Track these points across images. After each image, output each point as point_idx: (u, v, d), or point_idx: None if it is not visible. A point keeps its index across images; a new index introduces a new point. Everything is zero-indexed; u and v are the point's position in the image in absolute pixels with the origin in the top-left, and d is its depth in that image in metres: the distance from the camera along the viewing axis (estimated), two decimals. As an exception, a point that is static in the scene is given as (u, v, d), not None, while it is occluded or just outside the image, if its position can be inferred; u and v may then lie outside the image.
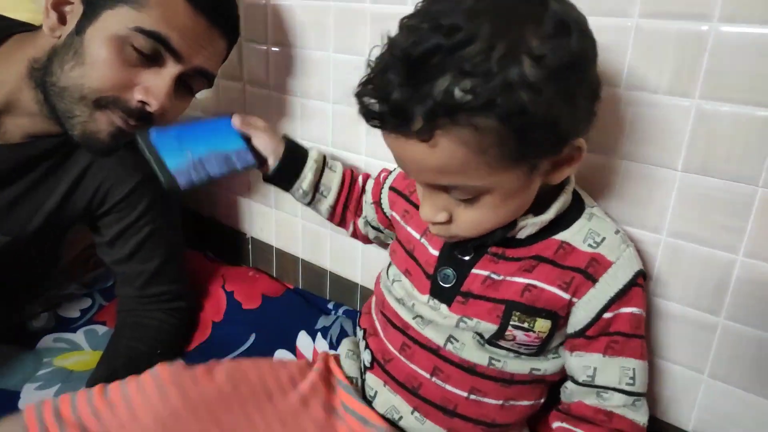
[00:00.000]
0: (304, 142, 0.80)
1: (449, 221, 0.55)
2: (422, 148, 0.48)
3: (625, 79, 0.62)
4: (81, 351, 0.90)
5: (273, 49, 0.95)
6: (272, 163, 0.76)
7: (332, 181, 0.79)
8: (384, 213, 0.75)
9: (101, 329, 0.94)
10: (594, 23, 0.62)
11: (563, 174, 0.54)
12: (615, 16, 0.61)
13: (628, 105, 0.62)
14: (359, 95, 0.50)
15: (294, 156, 0.77)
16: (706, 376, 0.65)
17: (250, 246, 1.14)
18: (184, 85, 0.75)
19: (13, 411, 0.75)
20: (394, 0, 0.77)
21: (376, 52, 0.50)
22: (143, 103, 0.70)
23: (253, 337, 0.91)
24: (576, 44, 0.47)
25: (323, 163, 0.79)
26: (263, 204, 1.08)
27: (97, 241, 0.90)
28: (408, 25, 0.48)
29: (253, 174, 1.08)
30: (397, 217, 0.71)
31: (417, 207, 0.64)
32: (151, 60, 0.69)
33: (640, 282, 0.59)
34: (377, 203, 0.76)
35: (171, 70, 0.70)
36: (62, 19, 0.71)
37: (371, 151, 0.87)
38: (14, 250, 0.82)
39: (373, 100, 0.49)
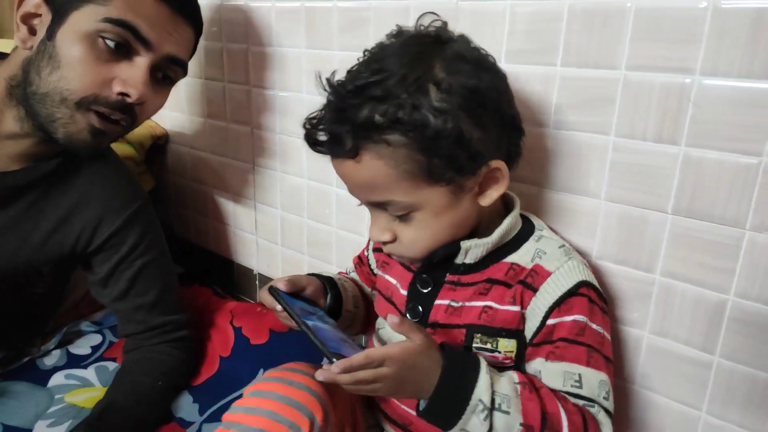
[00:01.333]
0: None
1: (394, 240, 0.62)
2: (352, 166, 0.57)
3: (615, 128, 0.65)
4: (92, 387, 0.91)
5: (280, 93, 0.99)
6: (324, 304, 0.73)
7: (354, 298, 0.79)
8: (373, 274, 0.79)
9: (112, 365, 0.96)
10: (583, 75, 0.66)
11: (490, 196, 0.60)
12: (603, 68, 0.64)
13: (618, 152, 0.65)
14: (306, 126, 0.60)
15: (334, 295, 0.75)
16: (704, 413, 0.66)
17: (257, 282, 1.17)
18: (160, 77, 0.78)
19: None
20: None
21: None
22: (123, 94, 0.72)
23: (261, 373, 0.93)
24: (475, 75, 0.56)
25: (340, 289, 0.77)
26: (270, 241, 1.11)
27: (91, 281, 0.92)
28: (349, 70, 0.60)
29: (262, 211, 1.11)
30: (380, 272, 0.75)
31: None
32: (123, 53, 0.72)
33: (584, 292, 0.60)
34: (371, 279, 0.81)
35: (143, 59, 0.73)
36: (32, 31, 0.74)
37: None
38: (9, 284, 0.83)
39: (314, 130, 0.59)
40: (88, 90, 0.71)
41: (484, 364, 0.56)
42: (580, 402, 0.57)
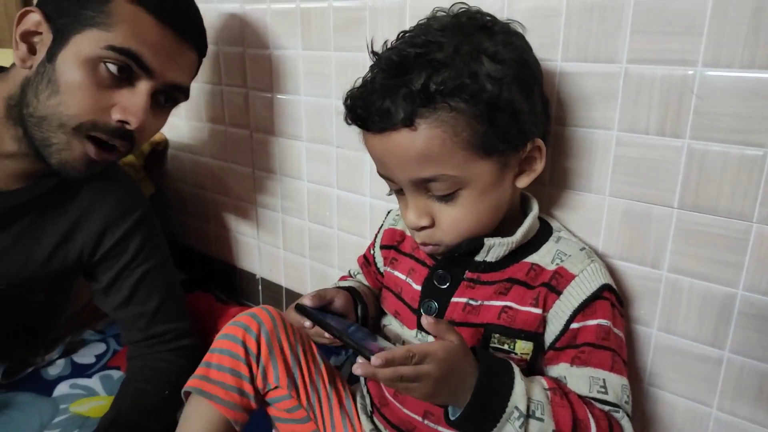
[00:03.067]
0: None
1: (432, 225, 0.60)
2: (405, 137, 0.55)
3: (617, 122, 0.64)
4: (97, 396, 0.91)
5: (278, 96, 0.99)
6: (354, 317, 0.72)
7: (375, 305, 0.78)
8: (380, 273, 0.78)
9: (116, 374, 0.96)
10: (583, 69, 0.65)
11: (528, 176, 0.60)
12: (603, 63, 0.63)
13: (621, 146, 0.64)
14: (347, 100, 0.58)
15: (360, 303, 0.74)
16: (715, 409, 0.65)
17: (260, 286, 1.16)
18: (162, 100, 0.77)
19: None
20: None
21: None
22: (122, 122, 0.71)
23: (264, 379, 0.92)
24: (522, 47, 0.59)
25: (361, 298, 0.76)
26: (272, 245, 1.11)
27: (94, 290, 0.91)
28: (389, 47, 0.60)
29: (263, 215, 1.10)
30: (388, 269, 0.74)
31: (404, 253, 0.71)
32: (125, 79, 0.70)
33: (607, 295, 0.60)
34: (378, 279, 0.79)
35: (144, 86, 0.71)
36: (32, 50, 0.72)
37: (375, 193, 0.90)
38: (12, 296, 0.83)
39: (359, 102, 0.57)
40: (86, 116, 0.70)
41: (517, 370, 0.55)
42: (606, 408, 0.57)
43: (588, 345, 0.58)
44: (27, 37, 0.72)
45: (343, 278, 0.85)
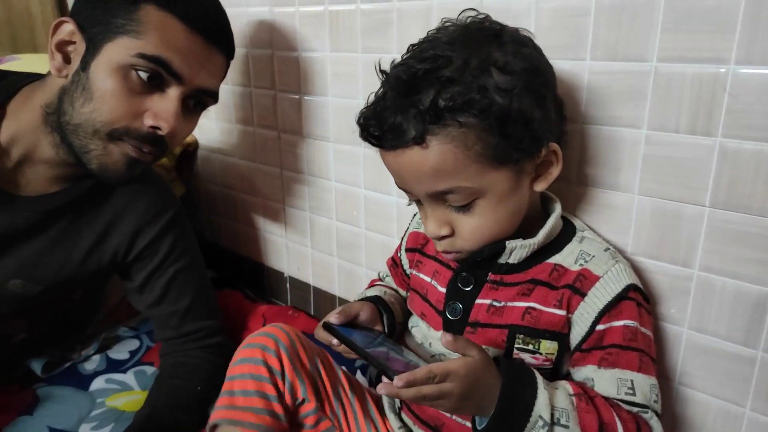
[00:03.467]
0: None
1: (452, 234, 0.61)
2: (418, 154, 0.56)
3: (647, 121, 0.64)
4: (131, 391, 0.94)
5: (306, 97, 1.00)
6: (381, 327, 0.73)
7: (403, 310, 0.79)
8: (407, 275, 0.79)
9: (149, 369, 0.98)
10: (613, 68, 0.65)
11: (545, 180, 0.60)
12: (633, 61, 0.63)
13: (651, 145, 0.64)
14: (360, 119, 0.59)
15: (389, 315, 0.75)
16: (749, 409, 0.64)
17: (288, 285, 1.18)
18: (192, 104, 0.78)
19: (70, 451, 0.80)
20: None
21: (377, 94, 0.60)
22: (154, 128, 0.73)
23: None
24: (532, 54, 0.58)
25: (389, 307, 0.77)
26: (300, 244, 1.12)
27: (128, 288, 0.94)
28: (398, 63, 0.59)
29: (291, 215, 1.12)
30: (413, 271, 0.75)
31: (428, 256, 0.72)
32: (155, 85, 0.72)
33: (633, 296, 0.60)
34: (405, 281, 0.80)
35: (175, 92, 0.73)
36: (67, 59, 0.74)
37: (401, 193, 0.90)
38: (50, 297, 0.86)
39: (372, 122, 0.58)
40: (119, 122, 0.72)
41: (540, 379, 0.56)
42: (634, 409, 0.57)
43: (615, 346, 0.58)
44: (62, 46, 0.74)
45: (372, 282, 0.86)
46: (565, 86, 0.68)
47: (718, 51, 0.58)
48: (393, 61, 0.61)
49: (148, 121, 0.72)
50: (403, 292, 0.82)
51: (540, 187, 0.60)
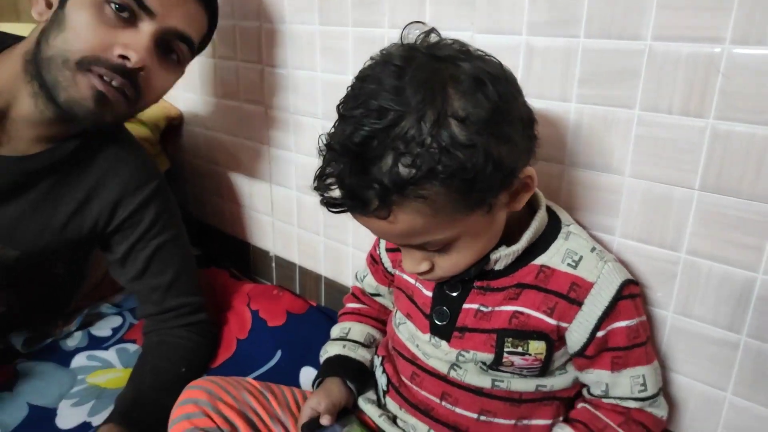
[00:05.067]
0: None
1: (432, 269, 0.59)
2: (384, 223, 0.52)
3: (639, 101, 0.62)
4: (113, 368, 0.93)
5: (293, 72, 0.98)
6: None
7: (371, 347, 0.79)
8: (389, 273, 0.77)
9: (132, 347, 0.98)
10: (607, 46, 0.63)
11: (522, 201, 0.57)
12: (627, 39, 0.62)
13: (643, 126, 0.63)
14: (317, 188, 0.54)
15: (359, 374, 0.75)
16: (730, 393, 0.65)
17: (273, 264, 1.17)
18: (167, 52, 0.78)
19: (50, 427, 0.79)
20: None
21: (324, 140, 0.54)
22: (123, 57, 0.72)
23: (279, 354, 0.93)
24: (494, 94, 0.50)
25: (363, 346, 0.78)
26: (286, 222, 1.11)
27: (109, 261, 0.93)
28: (342, 114, 0.52)
29: (277, 193, 1.11)
30: (397, 272, 0.73)
31: None
32: (128, 20, 0.73)
33: (627, 293, 0.59)
34: (387, 277, 0.79)
35: (146, 26, 0.74)
36: (48, 4, 0.75)
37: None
38: (30, 264, 0.84)
39: (330, 192, 0.53)
40: (88, 51, 0.71)
41: None
42: (647, 403, 0.61)
43: (621, 349, 0.60)
44: None
45: (348, 300, 0.85)
46: (558, 64, 0.67)
47: (713, 30, 0.56)
48: (337, 107, 0.54)
49: (117, 51, 0.72)
50: (383, 289, 0.80)
51: (517, 207, 0.57)
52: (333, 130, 0.54)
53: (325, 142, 0.54)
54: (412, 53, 0.52)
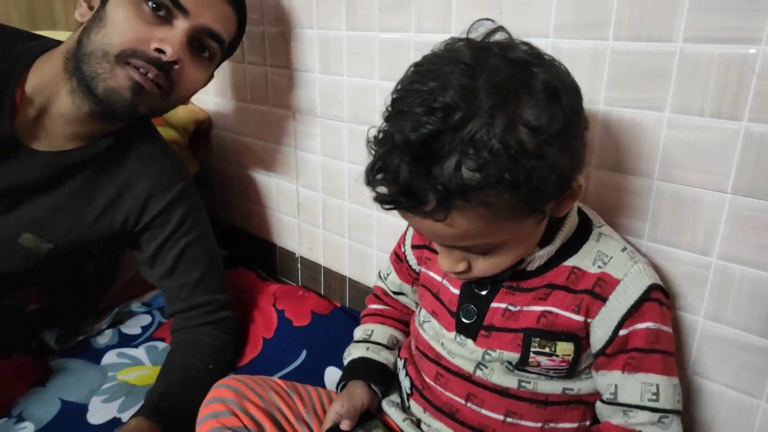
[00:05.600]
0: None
1: (469, 269, 0.58)
2: (439, 225, 0.50)
3: (670, 104, 0.62)
4: (142, 366, 0.95)
5: (321, 76, 0.99)
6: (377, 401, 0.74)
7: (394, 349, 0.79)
8: (414, 271, 0.77)
9: (161, 345, 1.00)
10: (636, 48, 0.63)
11: (566, 207, 0.57)
12: (658, 41, 0.61)
13: (673, 128, 0.62)
14: (369, 183, 0.52)
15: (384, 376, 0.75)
16: (764, 401, 0.63)
17: (299, 265, 1.18)
18: (197, 46, 0.81)
19: (81, 422, 0.81)
20: (437, 30, 0.80)
21: (374, 132, 0.53)
22: (159, 51, 0.76)
23: (304, 354, 0.94)
24: (567, 106, 0.49)
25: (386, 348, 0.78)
26: (312, 224, 1.12)
27: (139, 260, 0.95)
28: (401, 109, 0.49)
29: (303, 195, 1.12)
30: (422, 269, 0.73)
31: (436, 252, 0.67)
32: (164, 17, 0.77)
33: (655, 296, 0.58)
34: (411, 275, 0.78)
35: (181, 23, 0.78)
36: (90, 7, 0.80)
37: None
38: (62, 259, 0.87)
39: (384, 188, 0.51)
40: (127, 44, 0.75)
41: None
42: (656, 416, 0.57)
43: (638, 351, 0.58)
44: None
45: (370, 301, 0.85)
46: (586, 66, 0.67)
47: (747, 31, 0.55)
48: (391, 92, 0.52)
49: (154, 44, 0.76)
50: (406, 287, 0.80)
51: (561, 213, 0.57)
52: (386, 125, 0.51)
53: (378, 136, 0.52)
54: (484, 53, 0.50)
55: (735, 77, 0.57)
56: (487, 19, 0.55)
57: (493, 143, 0.46)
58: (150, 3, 0.76)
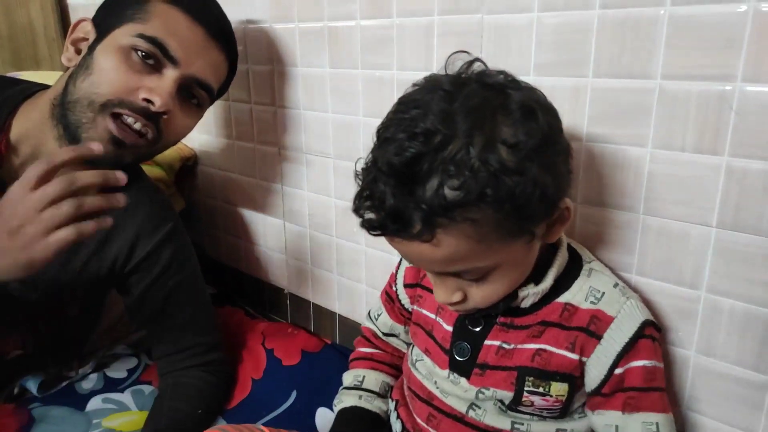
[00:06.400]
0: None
1: (464, 299, 0.58)
2: (426, 247, 0.51)
3: (652, 139, 0.62)
4: (129, 411, 0.92)
5: (305, 113, 1.00)
6: None
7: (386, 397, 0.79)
8: (407, 310, 0.76)
9: (147, 389, 0.97)
10: (616, 85, 0.64)
11: (557, 233, 0.57)
12: (637, 78, 0.62)
13: (656, 163, 0.63)
14: (357, 210, 0.53)
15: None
16: (759, 436, 0.62)
17: (288, 301, 1.16)
18: (188, 97, 0.81)
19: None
20: (419, 68, 0.80)
21: (362, 164, 0.55)
22: (148, 101, 0.75)
23: (294, 395, 0.92)
24: (544, 123, 0.51)
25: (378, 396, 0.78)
26: (300, 260, 1.11)
27: (126, 303, 0.93)
28: (385, 137, 0.52)
29: (291, 231, 1.11)
30: (415, 307, 0.73)
31: (429, 290, 0.68)
32: (153, 66, 0.76)
33: (648, 333, 0.59)
34: (403, 315, 0.77)
35: (170, 73, 0.77)
36: (78, 51, 0.80)
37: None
38: (49, 307, 0.85)
39: (371, 213, 0.52)
40: (114, 94, 0.75)
41: None
42: None
43: (636, 390, 0.58)
44: (76, 42, 0.81)
45: (359, 344, 0.83)
46: (567, 103, 0.67)
47: (724, 68, 0.56)
48: (377, 130, 0.54)
49: (142, 94, 0.75)
50: (398, 327, 0.79)
51: (552, 239, 0.58)
52: (372, 154, 0.53)
53: (364, 165, 0.53)
54: (461, 80, 0.53)
55: (714, 113, 0.58)
56: (464, 52, 0.56)
57: (473, 162, 0.47)
58: (139, 52, 0.75)
